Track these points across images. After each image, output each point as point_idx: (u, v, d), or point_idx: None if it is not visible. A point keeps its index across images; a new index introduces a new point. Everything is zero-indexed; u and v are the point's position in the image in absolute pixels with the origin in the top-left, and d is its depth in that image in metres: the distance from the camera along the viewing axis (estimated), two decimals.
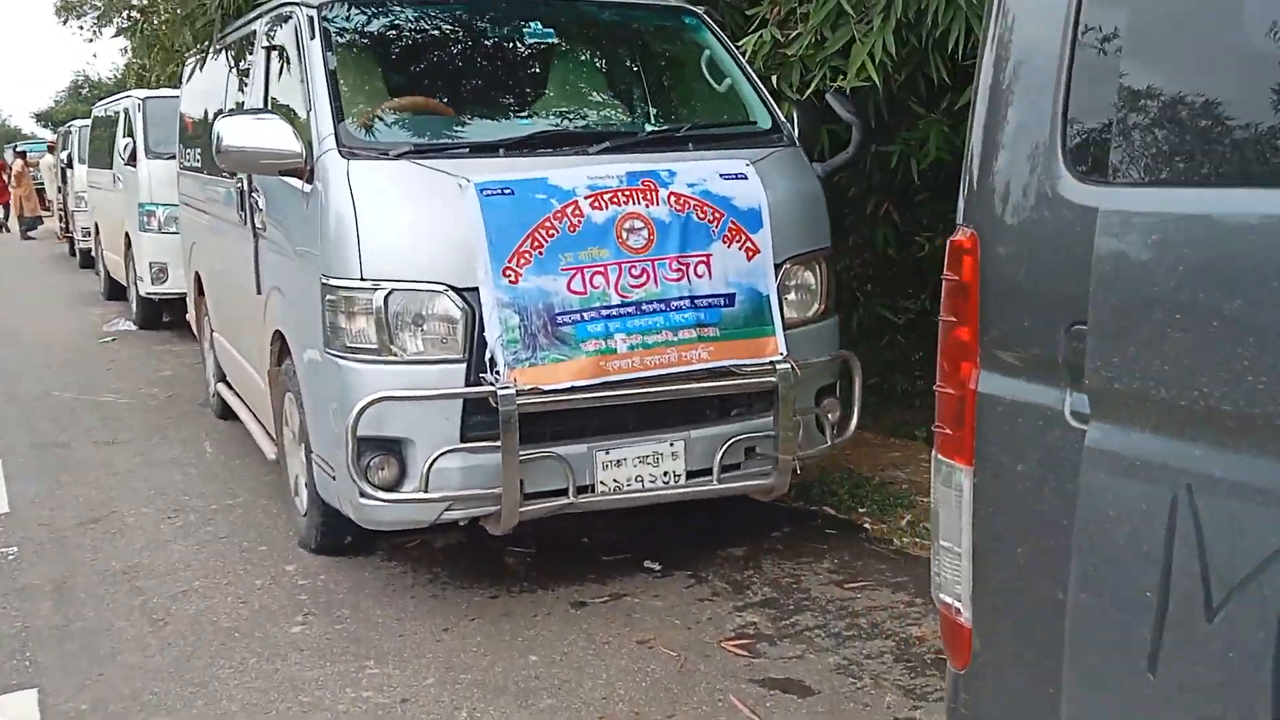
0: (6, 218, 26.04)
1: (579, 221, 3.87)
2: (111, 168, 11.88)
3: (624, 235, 3.90)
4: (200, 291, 7.00)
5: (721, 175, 4.12)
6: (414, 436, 3.81)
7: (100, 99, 18.74)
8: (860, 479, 5.28)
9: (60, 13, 25.35)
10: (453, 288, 3.78)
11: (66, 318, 11.82)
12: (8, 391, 8.07)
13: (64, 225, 19.15)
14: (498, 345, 3.76)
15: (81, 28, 25.69)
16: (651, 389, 3.91)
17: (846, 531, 4.73)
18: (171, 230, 9.40)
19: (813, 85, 4.67)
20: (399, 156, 3.90)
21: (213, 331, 6.77)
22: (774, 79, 4.77)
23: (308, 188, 4.08)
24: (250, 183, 4.96)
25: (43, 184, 25.35)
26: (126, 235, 11.05)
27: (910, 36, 4.49)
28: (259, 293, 4.93)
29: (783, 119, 4.51)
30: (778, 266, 4.13)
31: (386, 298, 3.76)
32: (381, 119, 4.21)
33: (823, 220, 4.41)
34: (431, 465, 3.74)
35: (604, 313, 3.86)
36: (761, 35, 4.77)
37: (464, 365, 3.80)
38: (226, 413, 6.56)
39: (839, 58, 4.59)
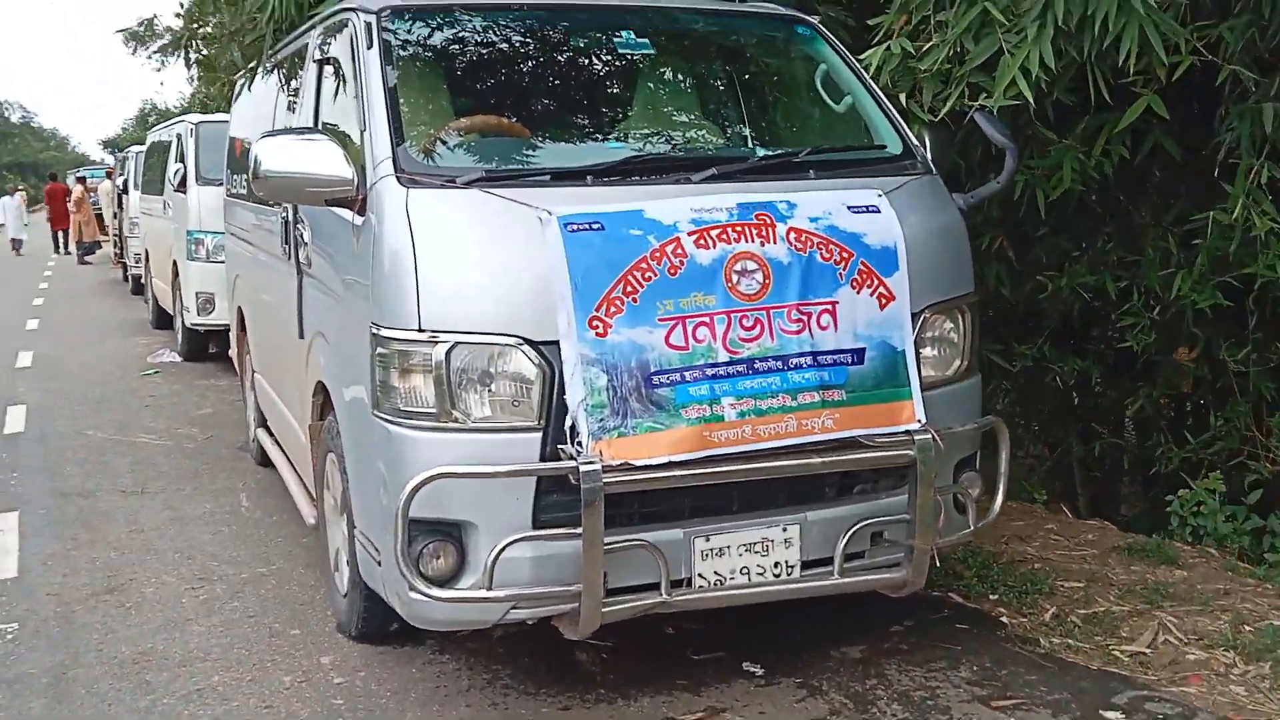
0: (66, 242, 26.08)
1: (681, 262, 3.20)
2: (163, 194, 11.51)
3: (734, 279, 3.23)
4: (243, 328, 6.44)
5: (850, 208, 3.44)
6: (477, 520, 3.15)
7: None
8: (986, 556, 4.55)
9: (129, 41, 25.38)
10: (528, 341, 3.13)
11: (112, 347, 11.39)
12: (39, 430, 7.57)
13: (118, 251, 18.94)
14: (581, 411, 3.10)
15: (150, 57, 25.69)
16: (765, 463, 3.22)
17: (980, 626, 4.00)
18: (219, 259, 8.93)
19: (948, 104, 3.99)
20: (467, 185, 3.27)
21: (254, 372, 6.19)
22: (902, 98, 4.09)
23: (359, 220, 3.46)
24: (295, 213, 4.37)
25: (101, 209, 25.32)
26: (174, 263, 10.62)
27: (1069, 47, 3.79)
28: (301, 337, 4.32)
29: (916, 142, 3.82)
30: (915, 316, 3.44)
31: (449, 352, 3.11)
32: (446, 142, 3.59)
33: (966, 260, 3.72)
34: (498, 556, 3.08)
35: (709, 372, 3.19)
36: (889, 48, 4.09)
37: (540, 434, 3.14)
38: (266, 459, 5.97)
39: (981, 73, 3.91)
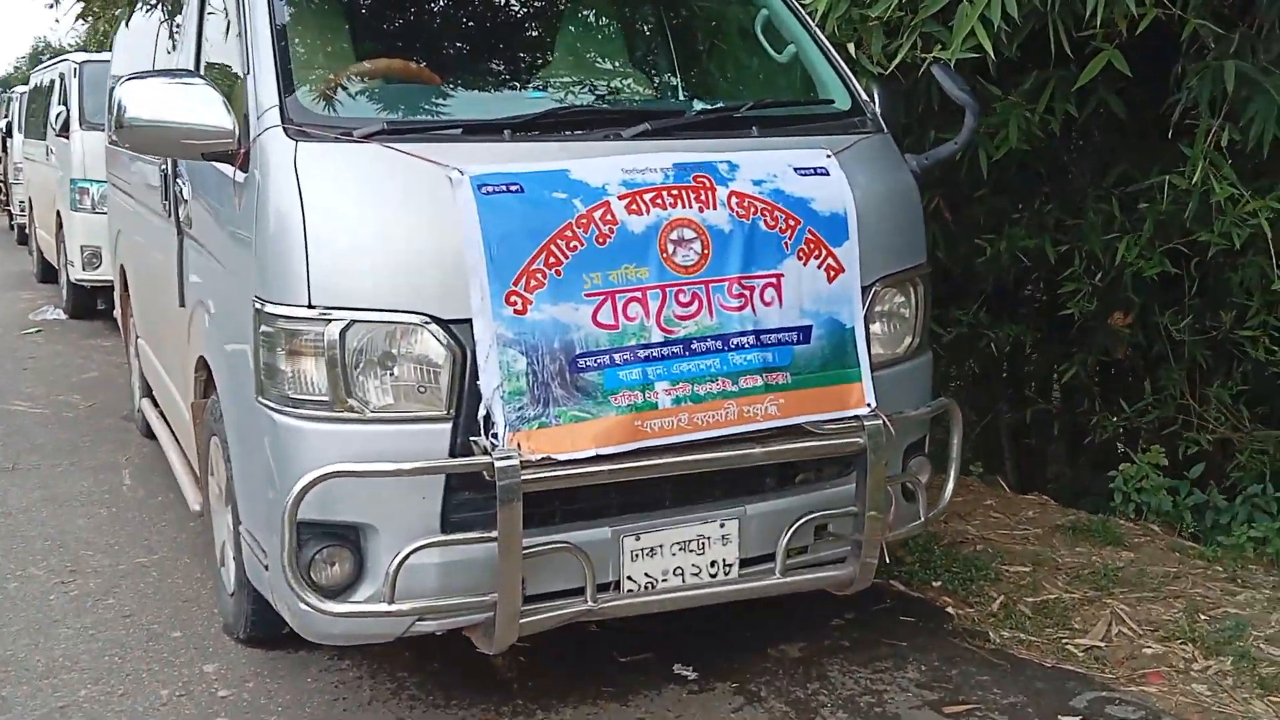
0: None
1: (610, 230, 2.84)
2: (46, 138, 10.73)
3: (670, 249, 2.88)
4: (126, 287, 5.90)
5: (796, 170, 3.11)
6: (377, 523, 2.77)
7: None
8: (927, 538, 4.29)
9: None
10: (436, 319, 2.74)
11: None
12: None
13: (3, 198, 17.81)
14: (496, 398, 2.73)
15: None
16: (703, 455, 2.90)
17: (926, 618, 3.75)
18: (106, 210, 8.32)
19: (899, 56, 3.67)
20: (366, 138, 2.84)
21: (137, 337, 5.68)
22: (850, 47, 3.75)
23: (241, 177, 3.02)
24: (175, 165, 3.89)
25: None
26: (58, 213, 9.90)
27: None
28: (182, 305, 3.86)
29: (865, 97, 3.49)
30: (865, 289, 3.13)
31: (343, 331, 2.71)
32: (343, 89, 3.14)
33: (919, 228, 3.41)
34: (401, 563, 2.71)
35: (642, 354, 2.84)
36: None
37: (449, 426, 2.77)
38: (152, 431, 5.48)
39: (936, 22, 3.59)
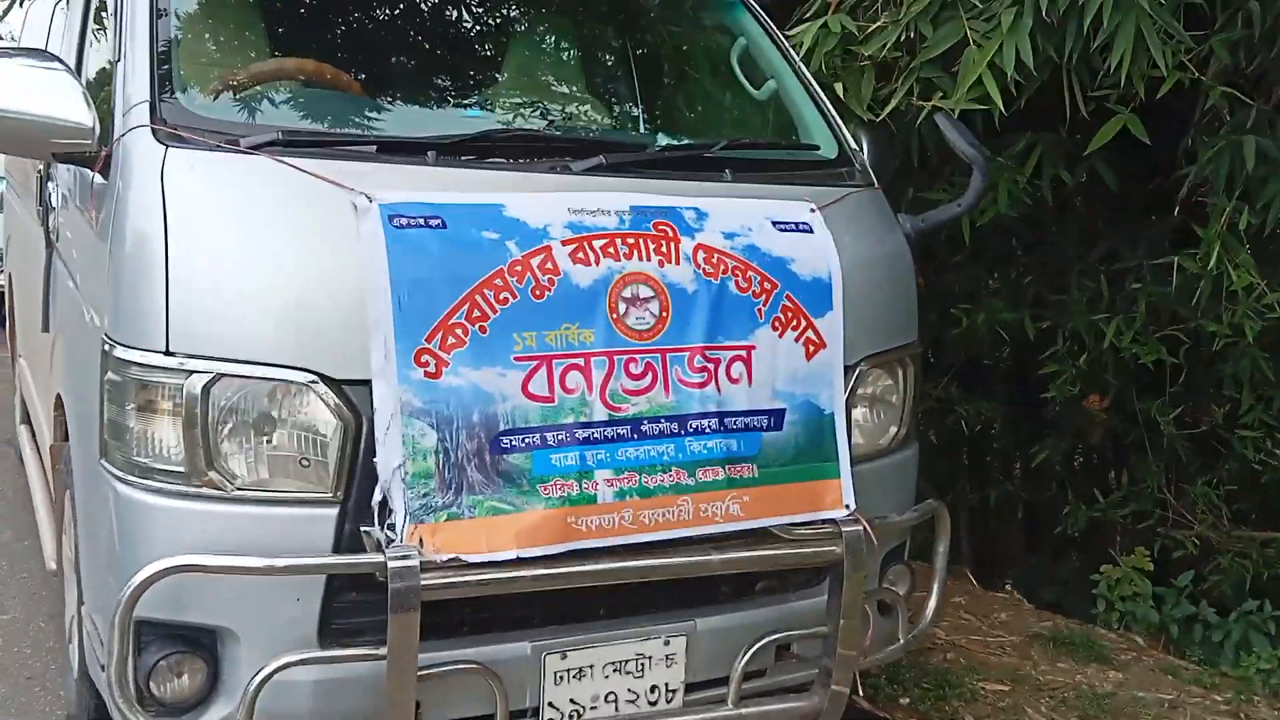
0: None
1: (551, 282, 2.33)
2: None
3: (622, 308, 2.38)
4: (13, 297, 5.29)
5: (776, 224, 2.63)
6: (238, 628, 2.21)
7: None
8: None
9: None
10: (326, 378, 2.20)
11: None
12: None
13: None
14: (397, 481, 2.20)
15: None
16: (648, 561, 2.38)
17: None
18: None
19: (893, 101, 3.23)
20: (256, 149, 2.31)
21: (19, 355, 5.06)
22: (838, 88, 3.30)
23: (100, 183, 2.47)
24: (49, 165, 3.32)
25: None
26: None
27: (1046, 45, 3.06)
28: (45, 329, 3.29)
29: (854, 145, 3.03)
30: (847, 369, 2.66)
31: (208, 387, 2.16)
32: (238, 88, 2.62)
33: (911, 301, 2.94)
34: (264, 681, 2.15)
35: (581, 435, 2.33)
36: (825, 24, 3.29)
37: (336, 511, 2.23)
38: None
39: (938, 67, 3.15)
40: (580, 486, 2.31)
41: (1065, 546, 6.10)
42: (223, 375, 2.17)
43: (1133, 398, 5.38)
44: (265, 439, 2.22)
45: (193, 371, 2.16)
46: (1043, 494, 6.34)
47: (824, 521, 2.57)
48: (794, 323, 2.58)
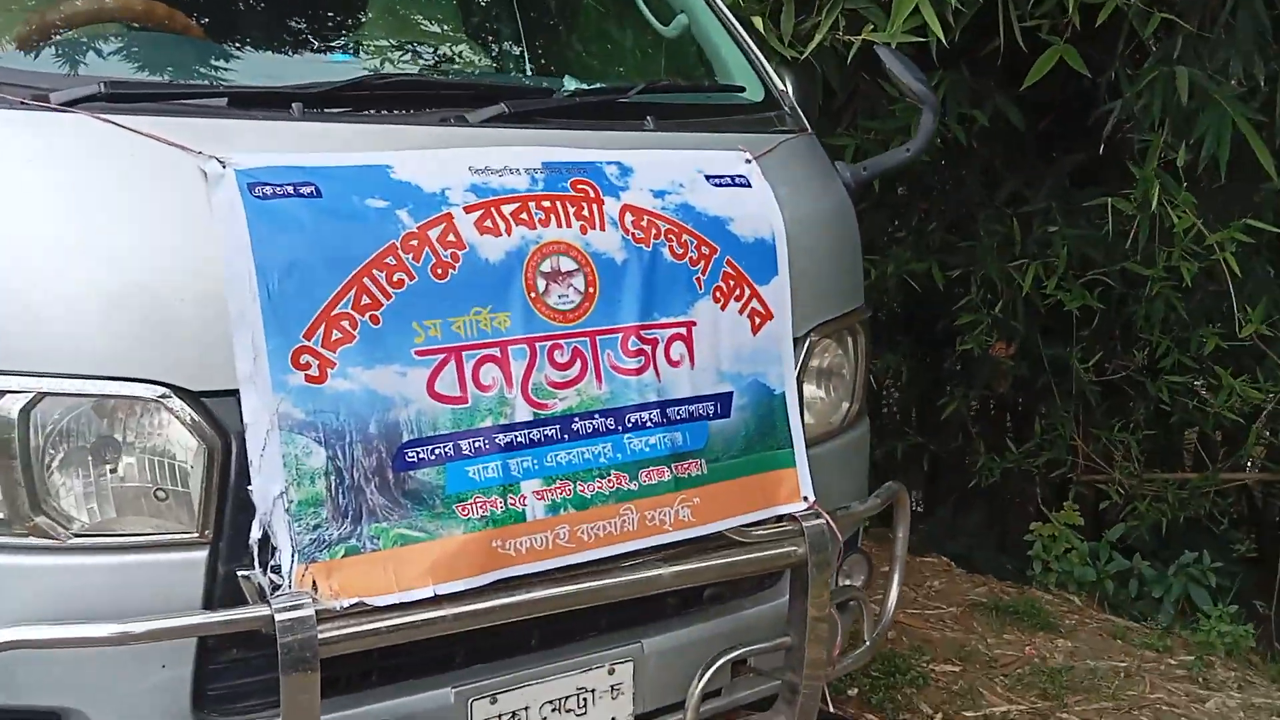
0: None
1: (455, 257, 1.93)
2: None
3: (541, 285, 2.00)
4: None
5: (709, 178, 2.27)
6: (88, 709, 1.77)
7: None
8: None
9: None
10: (181, 390, 1.76)
11: None
12: None
13: None
14: (279, 512, 1.78)
15: None
16: (590, 583, 2.01)
17: None
18: None
19: (818, 37, 2.89)
20: (72, 105, 1.82)
21: None
22: (757, 22, 2.94)
23: None
24: None
25: None
26: None
27: None
28: None
29: (781, 86, 2.68)
30: (797, 341, 2.33)
31: (27, 409, 1.70)
32: (48, 32, 2.12)
33: (857, 259, 2.63)
34: None
35: (502, 440, 1.94)
36: None
37: (203, 554, 1.80)
38: None
39: None
40: (505, 502, 1.93)
41: (974, 499, 5.97)
42: (46, 394, 1.71)
43: (1038, 343, 5.25)
44: (108, 469, 1.77)
45: (6, 391, 1.70)
46: (948, 445, 6.21)
47: (781, 518, 2.25)
48: (736, 292, 2.23)
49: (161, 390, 1.75)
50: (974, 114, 4.19)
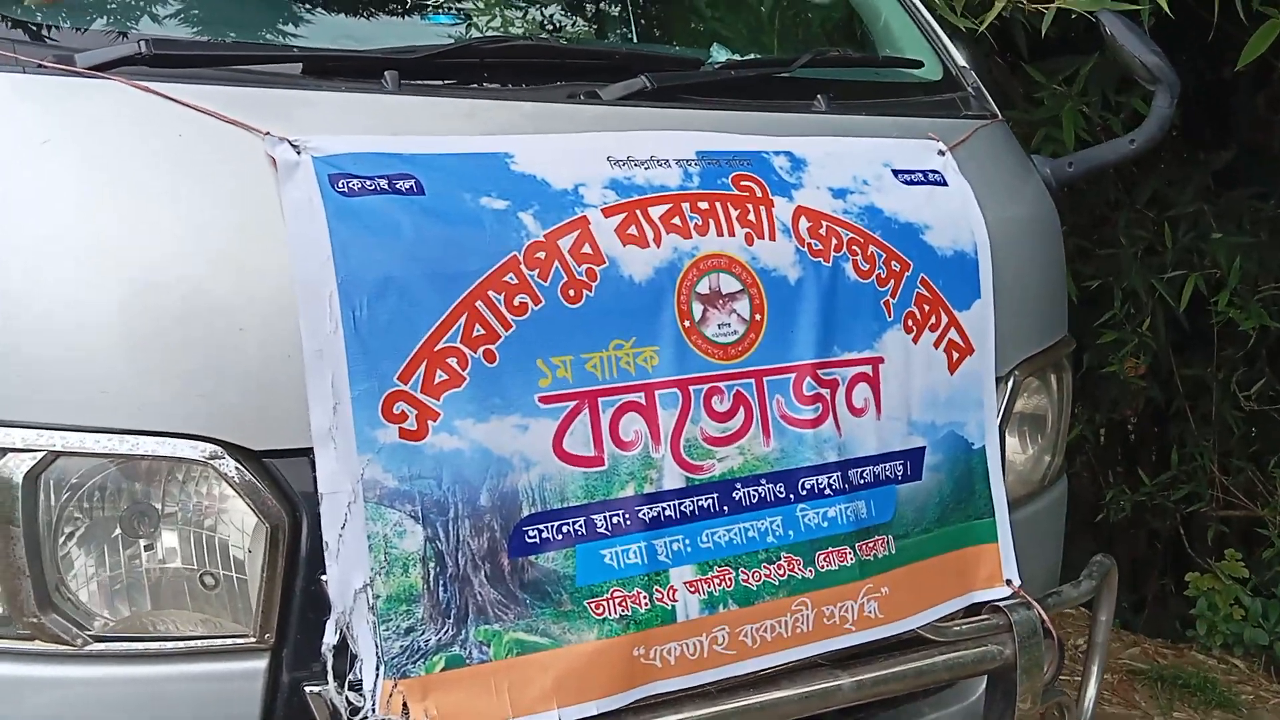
0: None
1: (591, 274, 1.48)
2: None
3: (697, 312, 1.54)
4: None
5: (898, 173, 1.81)
6: None
7: None
8: None
9: None
10: (237, 449, 1.33)
11: None
12: None
13: None
14: (362, 609, 1.34)
15: None
16: (753, 698, 1.56)
17: None
18: None
19: (997, 6, 2.42)
20: (103, 69, 1.39)
21: None
22: None
23: None
24: None
25: None
26: None
27: None
28: None
29: (962, 63, 2.20)
30: (999, 381, 1.86)
31: (36, 474, 1.28)
32: None
33: (1062, 278, 2.14)
34: None
35: (646, 513, 1.49)
36: None
37: (262, 662, 1.37)
38: None
39: None
40: (650, 597, 1.48)
41: (1102, 538, 5.44)
42: (61, 454, 1.28)
43: (1170, 362, 4.72)
44: (141, 549, 1.35)
45: (9, 450, 1.28)
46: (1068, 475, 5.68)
47: (979, 606, 1.79)
48: (932, 320, 1.76)
49: (211, 449, 1.31)
50: (1135, 103, 3.68)
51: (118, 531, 1.34)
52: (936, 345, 1.76)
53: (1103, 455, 5.29)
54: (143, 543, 1.35)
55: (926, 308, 1.75)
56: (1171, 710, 3.11)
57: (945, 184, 1.84)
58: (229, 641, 1.35)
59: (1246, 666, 3.49)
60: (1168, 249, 4.19)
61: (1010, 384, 1.90)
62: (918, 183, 1.81)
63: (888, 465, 1.70)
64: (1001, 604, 1.77)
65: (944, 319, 1.77)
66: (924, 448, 1.74)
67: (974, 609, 1.80)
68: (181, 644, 1.34)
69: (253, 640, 1.35)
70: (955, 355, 1.78)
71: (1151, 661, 3.39)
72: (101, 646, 1.31)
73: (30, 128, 1.33)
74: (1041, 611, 1.78)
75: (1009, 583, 1.81)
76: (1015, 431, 1.96)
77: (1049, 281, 2.05)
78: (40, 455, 1.27)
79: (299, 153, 1.38)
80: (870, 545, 1.65)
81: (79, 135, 1.35)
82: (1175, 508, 4.85)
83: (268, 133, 1.38)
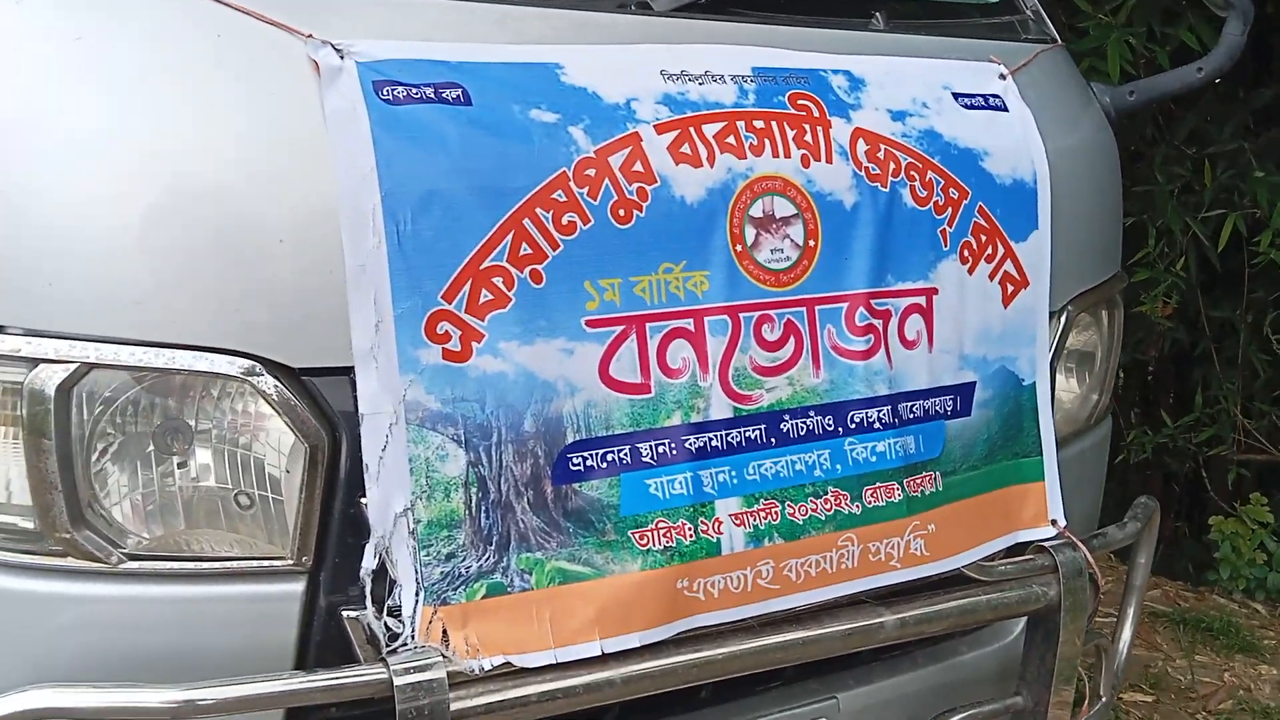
0: None
1: (642, 193, 1.42)
2: None
3: (750, 236, 1.48)
4: None
5: (958, 96, 1.73)
6: None
7: None
8: None
9: None
10: (275, 366, 1.29)
11: None
12: None
13: None
14: (402, 534, 1.30)
15: None
16: (792, 634, 1.53)
17: None
18: None
19: None
20: None
21: None
22: None
23: None
24: None
25: None
26: None
27: None
28: None
29: None
30: (1052, 316, 1.80)
31: (68, 386, 1.23)
32: None
33: (1118, 211, 2.07)
34: None
35: (693, 443, 1.45)
36: None
37: (299, 585, 1.34)
38: None
39: None
40: (695, 528, 1.44)
41: (1121, 477, 5.41)
42: (95, 365, 1.24)
43: (1198, 303, 4.65)
44: (173, 466, 1.30)
45: (41, 360, 1.23)
46: None
47: (1022, 546, 1.75)
48: (988, 250, 1.70)
49: (249, 364, 1.27)
50: (1184, 35, 3.56)
51: (151, 448, 1.29)
52: (991, 277, 1.70)
53: (1123, 396, 5.24)
54: (176, 460, 1.30)
55: (983, 238, 1.69)
56: (1194, 653, 3.09)
57: (1006, 109, 1.77)
58: (266, 563, 1.31)
59: (1268, 612, 3.48)
60: (1206, 187, 4.09)
61: (1063, 319, 1.84)
62: (978, 107, 1.74)
63: (938, 400, 1.64)
64: (1047, 544, 1.73)
65: (1000, 250, 1.71)
66: (974, 383, 1.69)
67: (1016, 549, 1.76)
68: (217, 564, 1.30)
69: (290, 563, 1.32)
70: (1010, 288, 1.72)
71: (1172, 604, 3.38)
72: (135, 565, 1.28)
73: (61, 24, 1.26)
74: (1087, 553, 1.74)
75: (1054, 523, 1.77)
76: (1064, 369, 1.90)
77: (1106, 215, 1.98)
78: (73, 367, 1.22)
79: (342, 57, 1.31)
80: (918, 481, 1.61)
81: (112, 33, 1.28)
82: (1197, 450, 4.82)
83: (310, 35, 1.31)
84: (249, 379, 1.27)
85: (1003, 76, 1.79)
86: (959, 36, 1.88)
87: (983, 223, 1.69)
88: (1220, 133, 4.35)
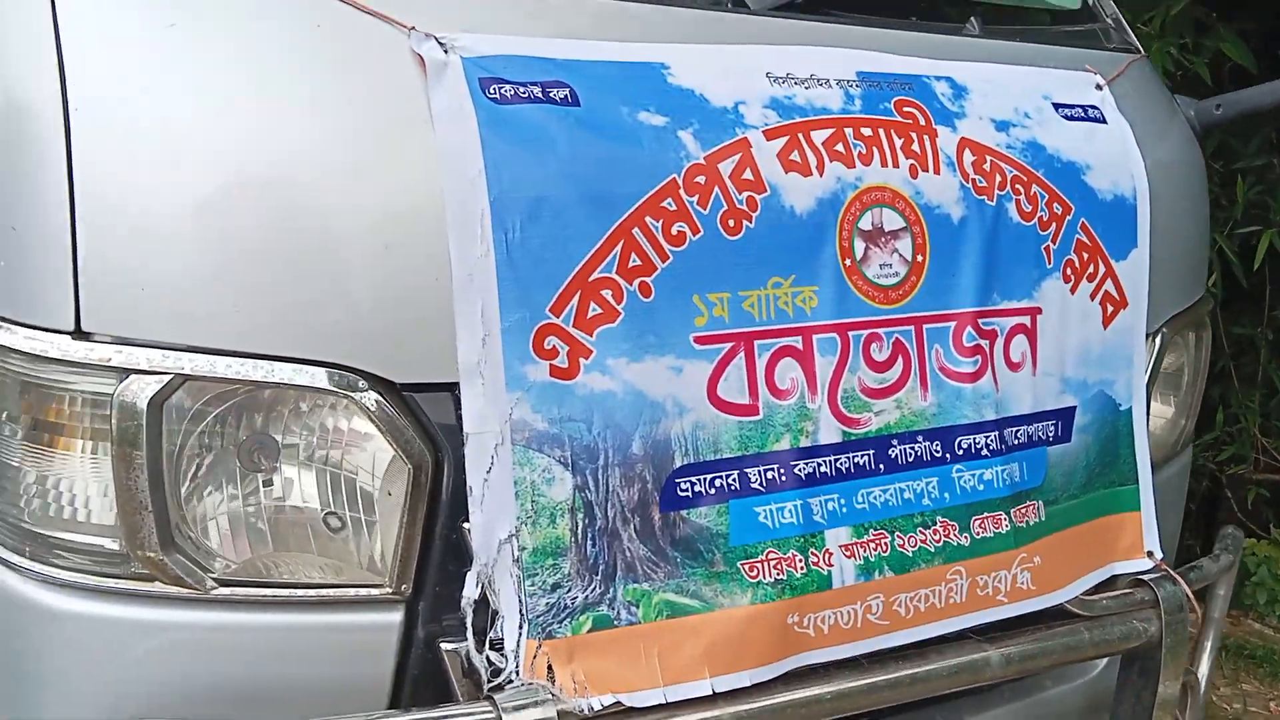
0: None
1: (752, 202, 1.34)
2: None
3: (859, 250, 1.41)
4: None
5: (1058, 107, 1.67)
6: None
7: None
8: None
9: None
10: (376, 380, 1.20)
11: None
12: None
13: None
14: (506, 562, 1.22)
15: None
16: (903, 670, 1.45)
17: None
18: None
19: None
20: None
21: None
22: None
23: None
24: None
25: None
26: None
27: None
28: None
29: None
30: (1148, 337, 1.74)
31: (160, 400, 1.15)
32: None
33: (1206, 230, 2.01)
34: None
35: (800, 469, 1.37)
36: None
37: (397, 615, 1.25)
38: None
39: None
40: (805, 560, 1.36)
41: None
42: (187, 377, 1.15)
43: (1218, 318, 4.60)
44: (266, 485, 1.22)
45: (131, 370, 1.14)
46: None
47: (1116, 579, 1.68)
48: (1090, 269, 1.63)
49: (351, 379, 1.18)
50: (1225, 47, 3.53)
51: (241, 466, 1.21)
52: (1093, 297, 1.64)
53: None
54: (262, 478, 1.22)
55: (1085, 255, 1.62)
56: (1238, 682, 3.04)
57: (1104, 121, 1.70)
58: (363, 591, 1.23)
59: None
60: (1236, 202, 4.06)
61: (1158, 342, 1.77)
62: (1078, 118, 1.67)
63: (1040, 425, 1.58)
64: (1145, 577, 1.66)
65: (1101, 269, 1.64)
66: (1074, 407, 1.62)
67: (1106, 581, 1.70)
68: (311, 592, 1.22)
69: (389, 590, 1.24)
70: (1110, 308, 1.66)
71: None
72: (226, 591, 1.19)
73: (154, 11, 1.18)
74: (1186, 587, 1.67)
75: (1150, 554, 1.70)
76: (1158, 394, 1.84)
77: (1196, 233, 1.92)
78: (167, 379, 1.14)
79: (447, 52, 1.23)
80: (1023, 511, 1.54)
81: (207, 22, 1.19)
82: (1218, 469, 4.77)
83: (413, 28, 1.23)
84: (351, 394, 1.18)
85: (1099, 87, 1.73)
86: (1048, 44, 1.82)
87: (1085, 240, 1.62)
88: (1245, 148, 4.31)
